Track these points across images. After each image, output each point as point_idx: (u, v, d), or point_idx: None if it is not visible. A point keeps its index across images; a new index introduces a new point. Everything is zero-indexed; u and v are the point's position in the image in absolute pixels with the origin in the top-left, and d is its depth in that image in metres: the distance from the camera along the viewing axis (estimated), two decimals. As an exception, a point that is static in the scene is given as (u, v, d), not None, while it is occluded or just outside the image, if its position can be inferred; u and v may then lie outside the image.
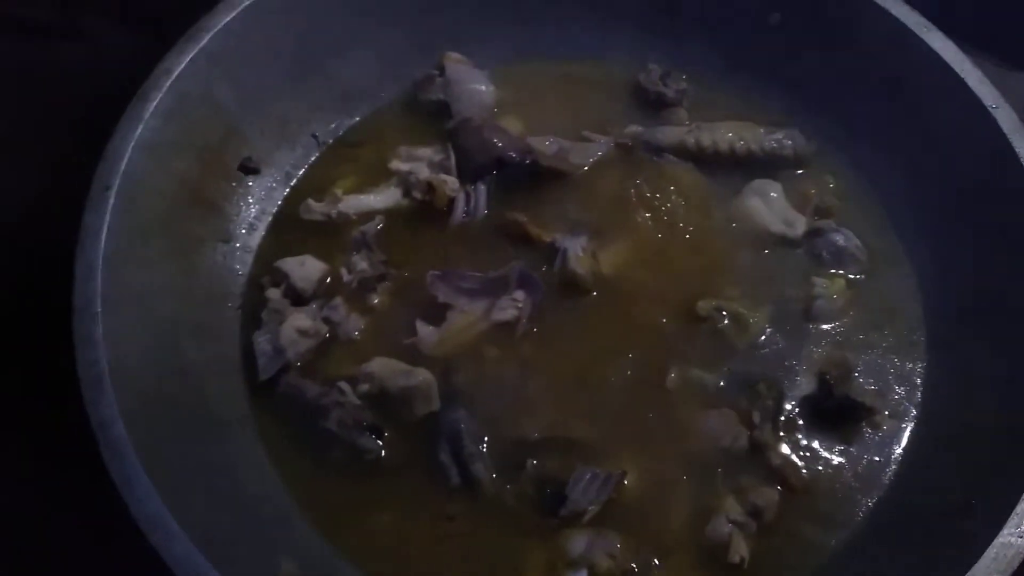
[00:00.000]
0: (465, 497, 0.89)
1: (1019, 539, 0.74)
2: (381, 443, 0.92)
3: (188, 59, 1.02)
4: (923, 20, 1.04)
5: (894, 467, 0.91)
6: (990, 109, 0.98)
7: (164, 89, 1.00)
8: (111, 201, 0.92)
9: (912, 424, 0.94)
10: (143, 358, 0.89)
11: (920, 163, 1.06)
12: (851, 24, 1.09)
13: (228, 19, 1.04)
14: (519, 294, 1.00)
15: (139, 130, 0.96)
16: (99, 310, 0.86)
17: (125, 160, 0.94)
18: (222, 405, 0.95)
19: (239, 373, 0.98)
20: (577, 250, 1.02)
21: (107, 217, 0.91)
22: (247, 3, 1.04)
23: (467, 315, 0.99)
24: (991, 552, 0.73)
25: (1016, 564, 0.73)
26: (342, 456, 0.91)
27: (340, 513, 0.90)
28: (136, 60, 1.02)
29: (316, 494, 0.91)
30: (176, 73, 1.01)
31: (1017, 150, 0.95)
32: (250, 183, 1.10)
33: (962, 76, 1.01)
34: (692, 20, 1.19)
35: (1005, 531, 0.74)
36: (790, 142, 1.10)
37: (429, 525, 0.89)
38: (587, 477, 0.88)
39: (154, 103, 0.98)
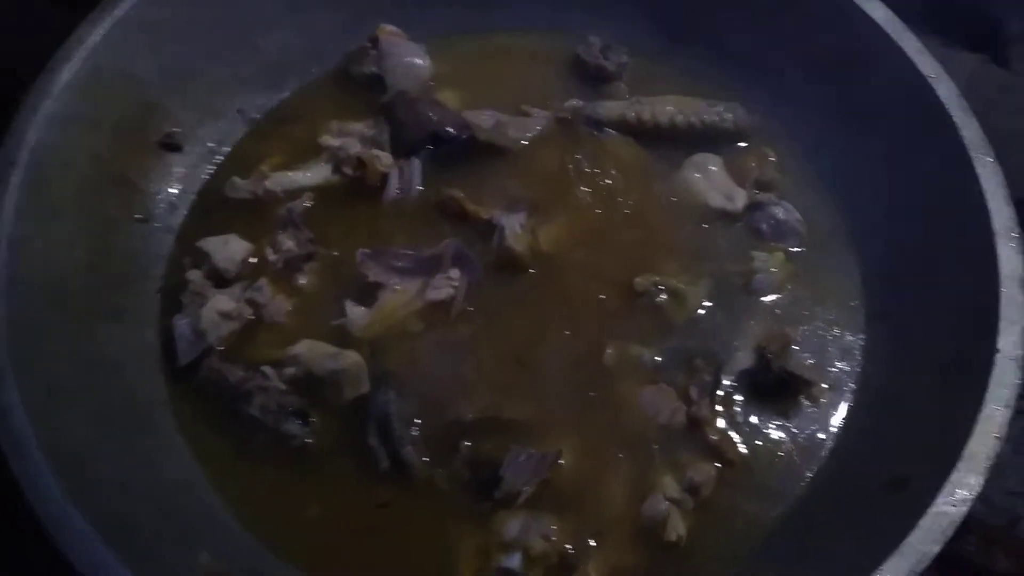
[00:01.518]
0: (396, 482, 0.86)
1: (953, 508, 0.73)
2: (308, 428, 0.89)
3: (103, 29, 0.97)
4: (862, -10, 1.03)
5: (833, 440, 0.90)
6: (928, 79, 0.97)
7: (76, 60, 0.95)
8: (16, 178, 0.88)
9: (851, 396, 0.93)
10: (52, 344, 0.85)
11: (860, 135, 1.05)
12: (792, -5, 1.08)
13: (146, -13, 0.99)
14: (454, 272, 0.97)
15: (48, 104, 0.92)
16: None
17: (32, 136, 0.90)
18: (140, 392, 0.90)
19: (158, 359, 0.94)
20: (515, 227, 0.99)
21: (12, 195, 0.87)
22: (166, -31, 0.99)
23: (400, 294, 0.96)
24: (926, 521, 0.72)
25: (951, 533, 0.72)
26: (266, 443, 0.88)
27: (265, 502, 0.87)
28: (52, 30, 0.97)
29: (239, 483, 0.87)
30: (90, 43, 0.96)
31: (955, 120, 0.94)
32: (172, 160, 1.05)
33: (901, 46, 1.00)
34: (633, -8, 1.17)
35: (940, 500, 0.73)
36: (730, 115, 1.08)
37: (359, 512, 0.86)
38: (521, 457, 0.85)
39: (65, 75, 0.94)
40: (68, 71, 0.94)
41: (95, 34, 0.97)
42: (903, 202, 1.00)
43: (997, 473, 1.14)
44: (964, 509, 0.73)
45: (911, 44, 1.00)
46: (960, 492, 0.74)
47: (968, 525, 0.98)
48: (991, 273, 0.85)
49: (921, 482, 0.77)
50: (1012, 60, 1.51)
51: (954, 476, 0.74)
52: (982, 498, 1.10)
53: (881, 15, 1.02)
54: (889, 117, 1.02)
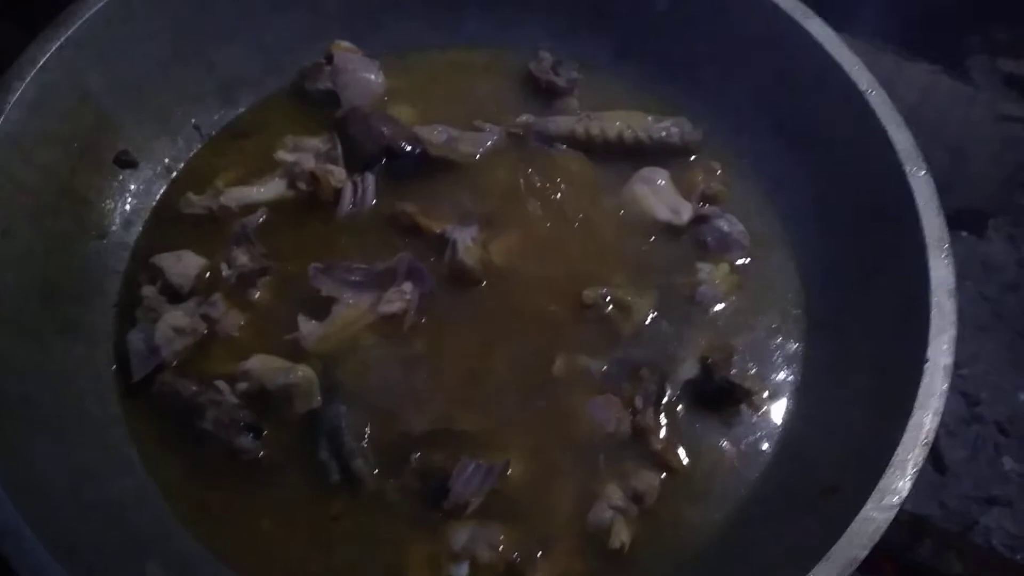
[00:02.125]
0: (347, 495, 0.88)
1: (879, 514, 0.75)
2: (260, 442, 0.90)
3: (55, 47, 0.98)
4: (802, 7, 1.05)
5: (772, 448, 0.93)
6: (864, 93, 1.00)
7: (28, 79, 0.96)
8: (-33, 197, 0.89)
9: (791, 404, 0.95)
10: (4, 358, 0.86)
11: (801, 148, 1.07)
12: (736, 11, 1.10)
13: (100, 5, 1.00)
14: (407, 286, 0.98)
15: (0, 122, 0.92)
16: (-55, 312, 0.82)
17: (-16, 154, 0.91)
18: (92, 407, 0.91)
19: (111, 374, 0.94)
20: (467, 241, 1.01)
21: (-39, 213, 0.88)
22: (119, -13, 1.00)
23: (353, 308, 0.97)
24: (854, 527, 0.75)
25: (877, 538, 0.75)
26: (219, 457, 0.89)
27: (218, 515, 0.88)
28: (3, 47, 0.98)
29: (192, 496, 0.88)
30: (41, 63, 0.97)
31: (888, 131, 0.97)
32: (127, 177, 1.06)
33: (838, 61, 1.02)
34: (583, 8, 1.19)
35: (868, 506, 0.76)
36: (677, 130, 1.10)
37: (311, 524, 0.87)
38: (470, 468, 0.87)
39: (16, 94, 0.95)
40: (19, 90, 0.94)
41: (48, 52, 0.97)
42: (841, 213, 1.03)
43: (953, 479, 1.19)
44: (891, 515, 0.75)
45: (847, 58, 1.02)
46: (888, 498, 0.76)
47: (924, 530, 1.02)
48: (922, 283, 0.88)
49: (852, 488, 0.80)
50: (969, 71, 1.56)
51: (882, 482, 0.77)
52: (939, 503, 1.15)
53: (818, 30, 1.04)
54: (826, 130, 1.05)
